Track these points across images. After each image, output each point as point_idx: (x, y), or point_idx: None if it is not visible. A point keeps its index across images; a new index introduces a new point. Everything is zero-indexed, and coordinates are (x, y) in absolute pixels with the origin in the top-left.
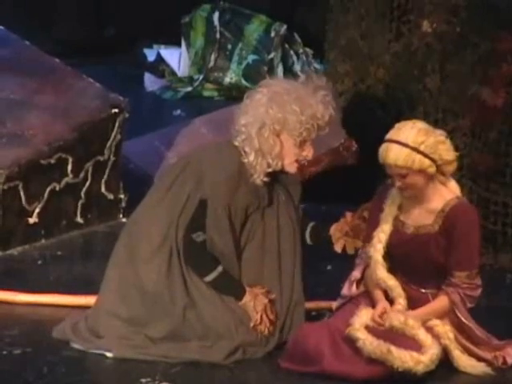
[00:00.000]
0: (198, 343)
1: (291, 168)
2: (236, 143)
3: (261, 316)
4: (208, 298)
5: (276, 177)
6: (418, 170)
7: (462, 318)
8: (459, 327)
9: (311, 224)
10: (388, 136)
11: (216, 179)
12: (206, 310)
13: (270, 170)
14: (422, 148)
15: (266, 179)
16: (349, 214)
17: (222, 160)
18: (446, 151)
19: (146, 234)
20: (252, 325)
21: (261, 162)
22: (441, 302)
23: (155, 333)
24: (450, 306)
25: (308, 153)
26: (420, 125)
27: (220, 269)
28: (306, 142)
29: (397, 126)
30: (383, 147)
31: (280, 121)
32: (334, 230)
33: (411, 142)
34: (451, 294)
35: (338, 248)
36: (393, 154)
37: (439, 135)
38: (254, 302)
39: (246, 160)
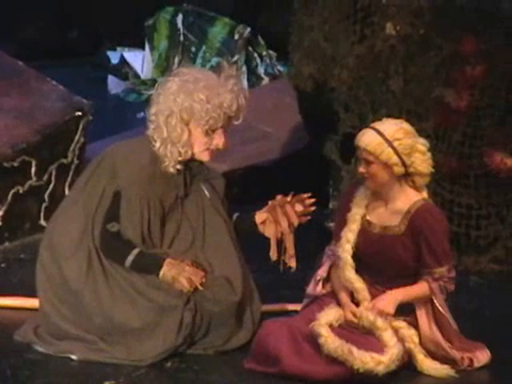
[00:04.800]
0: (138, 324)
1: (203, 156)
2: (148, 133)
3: (183, 280)
4: (127, 290)
5: (195, 171)
6: (384, 163)
7: (439, 307)
8: (434, 318)
9: (236, 214)
10: (372, 124)
11: (129, 170)
12: (127, 304)
13: (180, 158)
14: (395, 144)
15: (179, 167)
16: (279, 196)
17: (135, 152)
18: (421, 162)
19: (65, 232)
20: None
21: (170, 149)
22: (421, 287)
23: (95, 331)
24: (430, 294)
25: (219, 141)
26: (405, 125)
27: (136, 251)
28: (216, 130)
29: (384, 119)
30: (361, 131)
31: (187, 109)
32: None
33: (387, 135)
34: (432, 284)
35: (258, 218)
36: (366, 138)
37: (420, 143)
38: (172, 271)
39: (155, 148)
